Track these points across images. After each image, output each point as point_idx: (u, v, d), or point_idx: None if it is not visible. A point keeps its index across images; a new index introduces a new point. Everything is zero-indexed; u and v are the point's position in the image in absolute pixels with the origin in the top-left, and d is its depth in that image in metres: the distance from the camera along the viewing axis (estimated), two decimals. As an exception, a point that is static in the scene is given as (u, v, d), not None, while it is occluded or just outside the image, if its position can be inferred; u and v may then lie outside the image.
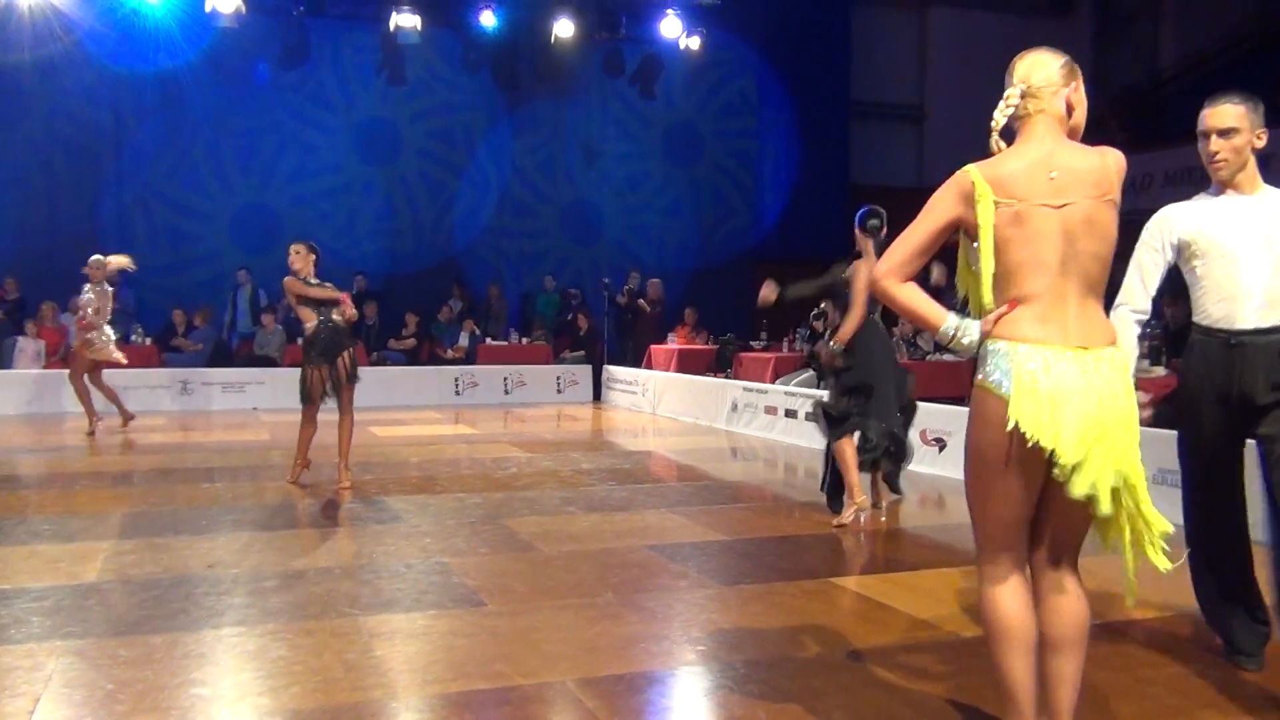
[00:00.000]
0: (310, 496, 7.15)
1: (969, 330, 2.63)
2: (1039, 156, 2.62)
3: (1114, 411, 2.51)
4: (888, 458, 6.34)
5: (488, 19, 15.18)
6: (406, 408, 13.39)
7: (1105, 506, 2.49)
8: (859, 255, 6.11)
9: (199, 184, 15.42)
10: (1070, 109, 2.70)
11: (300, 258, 7.27)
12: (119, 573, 5.00)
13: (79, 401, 10.71)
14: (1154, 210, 3.77)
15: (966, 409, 2.72)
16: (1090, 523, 2.61)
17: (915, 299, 2.67)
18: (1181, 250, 3.57)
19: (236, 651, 3.89)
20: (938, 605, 4.53)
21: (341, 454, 7.33)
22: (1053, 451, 2.46)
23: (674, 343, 14.60)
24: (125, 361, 10.96)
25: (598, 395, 15.05)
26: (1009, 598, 2.64)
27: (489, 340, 15.44)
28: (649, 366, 14.42)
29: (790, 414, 10.22)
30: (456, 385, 14.53)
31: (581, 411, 13.85)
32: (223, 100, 15.31)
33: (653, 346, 14.71)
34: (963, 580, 4.95)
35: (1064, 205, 2.56)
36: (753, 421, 11.02)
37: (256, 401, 13.25)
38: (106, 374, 10.89)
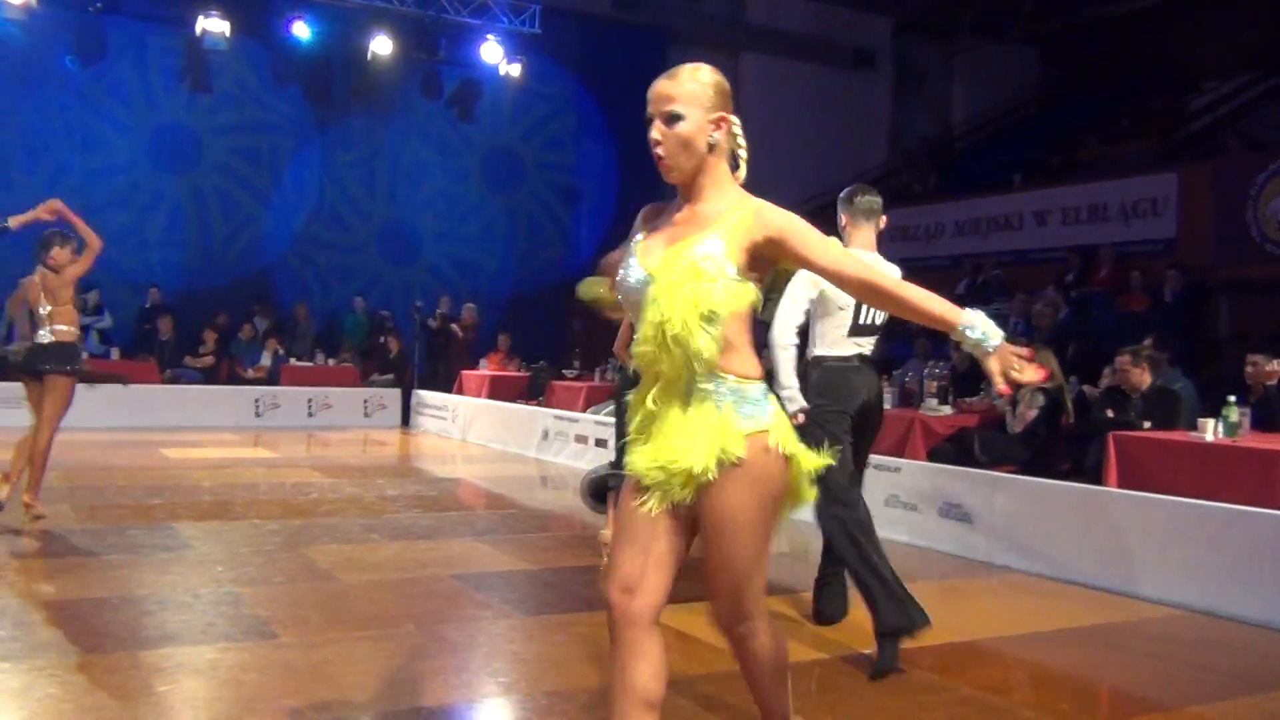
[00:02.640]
0: (88, 521, 6.69)
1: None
2: None
3: None
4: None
5: (301, 30, 14.74)
6: (202, 428, 12.74)
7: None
8: None
9: (-24, 183, 14.32)
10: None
11: None
12: None
13: None
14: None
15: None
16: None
17: None
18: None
19: (-3, 690, 3.60)
20: (737, 634, 4.62)
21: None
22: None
23: (486, 369, 14.46)
24: None
25: (406, 420, 14.73)
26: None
27: (293, 360, 14.88)
28: (460, 392, 14.23)
29: (600, 443, 10.27)
30: (257, 406, 13.93)
31: (389, 436, 13.53)
32: (8, 97, 14.29)
33: (464, 372, 14.53)
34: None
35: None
36: (563, 450, 11.02)
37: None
38: None
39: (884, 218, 4.61)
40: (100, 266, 7.08)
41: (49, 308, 6.40)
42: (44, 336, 6.39)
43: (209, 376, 14.32)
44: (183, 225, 15.56)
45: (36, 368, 6.36)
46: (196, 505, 7.43)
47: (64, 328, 6.43)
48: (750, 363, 2.47)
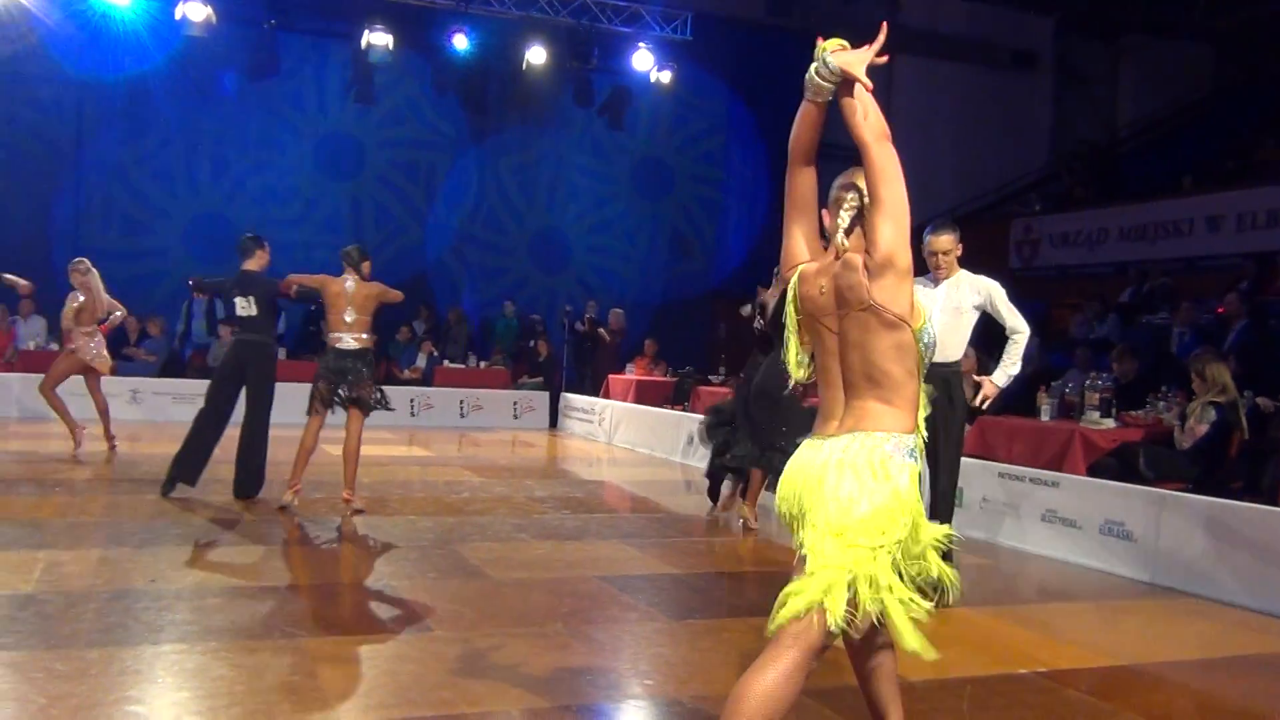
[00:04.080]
0: (257, 512, 7.04)
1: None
2: (820, 270, 2.78)
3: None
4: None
5: (461, 42, 15.20)
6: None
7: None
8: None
9: (157, 191, 15.25)
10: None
11: None
12: (56, 584, 4.89)
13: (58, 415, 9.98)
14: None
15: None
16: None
17: None
18: None
19: (175, 669, 3.82)
20: (885, 647, 4.54)
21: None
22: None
23: (633, 373, 14.60)
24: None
25: (554, 423, 14.99)
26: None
27: (447, 362, 15.34)
28: (607, 396, 14.40)
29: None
30: (412, 406, 14.41)
31: (537, 438, 13.79)
32: (187, 109, 15.19)
33: (611, 376, 14.70)
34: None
35: (838, 318, 2.70)
36: (708, 455, 11.00)
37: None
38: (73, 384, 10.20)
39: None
40: (269, 270, 7.53)
41: (354, 316, 7.28)
42: (349, 343, 7.25)
43: (368, 377, 14.85)
44: (345, 231, 16.20)
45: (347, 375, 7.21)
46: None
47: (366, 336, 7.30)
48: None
